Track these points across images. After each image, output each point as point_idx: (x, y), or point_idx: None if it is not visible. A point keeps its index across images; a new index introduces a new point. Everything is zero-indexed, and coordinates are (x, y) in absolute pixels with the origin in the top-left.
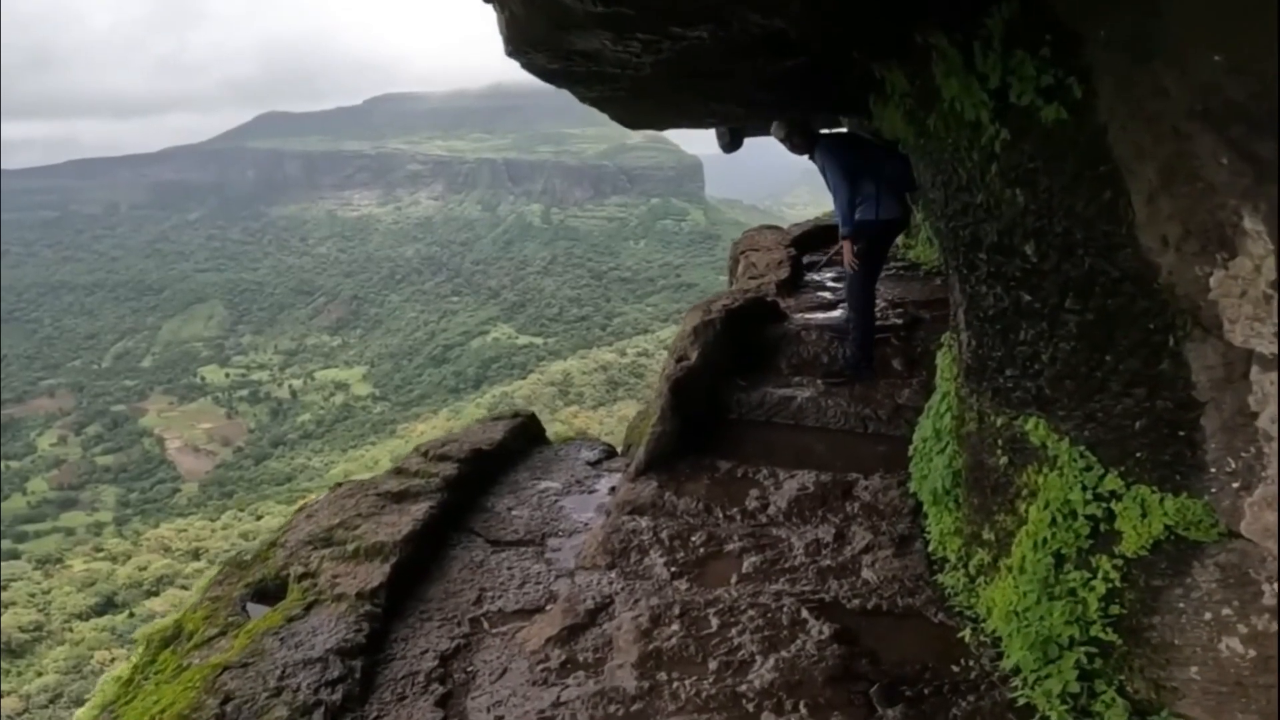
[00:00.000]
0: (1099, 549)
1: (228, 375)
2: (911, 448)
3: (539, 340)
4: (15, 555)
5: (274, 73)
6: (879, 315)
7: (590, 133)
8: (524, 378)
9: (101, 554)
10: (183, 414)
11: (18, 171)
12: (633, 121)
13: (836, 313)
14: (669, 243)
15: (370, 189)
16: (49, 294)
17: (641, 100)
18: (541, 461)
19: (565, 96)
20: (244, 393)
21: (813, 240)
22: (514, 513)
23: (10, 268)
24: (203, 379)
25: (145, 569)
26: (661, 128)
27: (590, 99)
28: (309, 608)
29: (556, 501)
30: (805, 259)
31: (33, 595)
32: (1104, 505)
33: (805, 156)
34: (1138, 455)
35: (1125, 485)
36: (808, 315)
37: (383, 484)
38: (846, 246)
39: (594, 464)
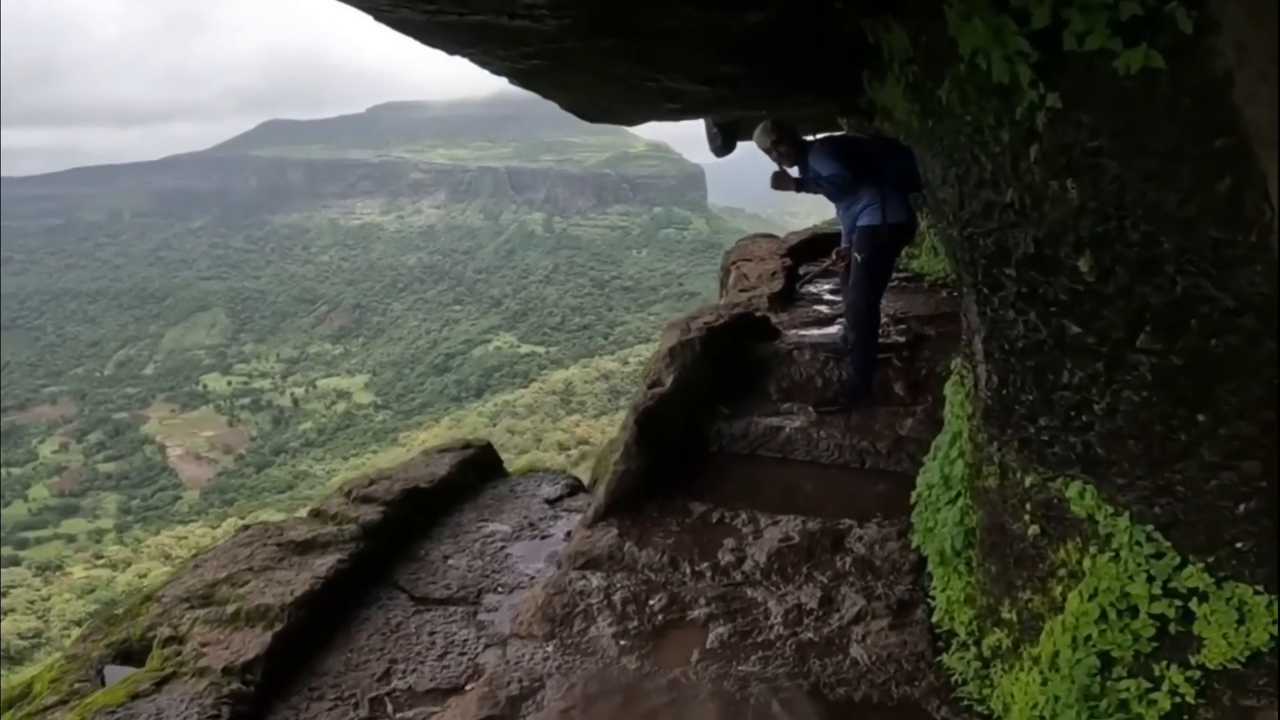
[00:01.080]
0: (1166, 655)
1: (230, 383)
2: (915, 493)
3: (541, 349)
4: (16, 562)
5: (277, 81)
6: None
7: (593, 141)
8: (526, 386)
9: (102, 561)
10: (185, 422)
11: (21, 179)
12: (582, 108)
13: (833, 329)
14: (671, 251)
15: (373, 197)
16: (51, 301)
17: (571, 73)
18: (493, 499)
19: None
20: (246, 401)
21: (810, 249)
22: (450, 562)
23: (13, 275)
24: (205, 387)
25: (145, 576)
26: (619, 119)
27: (507, 71)
28: (162, 682)
29: (503, 548)
30: (802, 269)
31: (32, 602)
32: (1179, 604)
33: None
34: (1237, 546)
35: (1214, 582)
36: (801, 332)
37: (290, 530)
38: (842, 252)
39: (553, 502)
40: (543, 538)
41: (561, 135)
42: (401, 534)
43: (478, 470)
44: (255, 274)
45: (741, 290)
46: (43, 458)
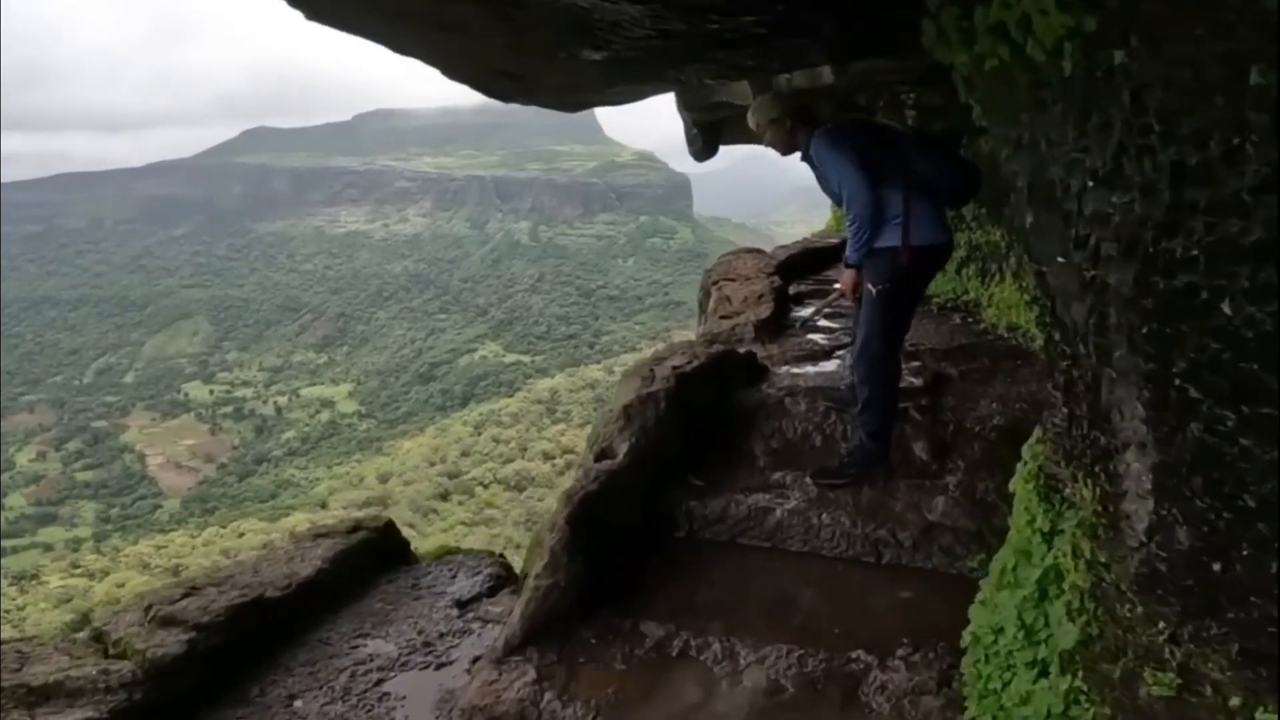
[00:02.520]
0: None
1: (212, 392)
2: (969, 632)
3: (526, 358)
4: None
5: (263, 88)
6: None
7: (579, 150)
8: (511, 395)
9: (79, 570)
10: (165, 430)
11: (4, 185)
12: (543, 85)
13: (831, 364)
14: (657, 260)
15: (358, 205)
16: (30, 309)
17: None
18: (385, 599)
19: (556, 114)
20: (228, 409)
21: (801, 266)
22: (297, 707)
23: None
24: (186, 395)
25: (123, 586)
26: (588, 98)
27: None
28: None
29: (379, 683)
30: (792, 289)
31: (8, 611)
32: None
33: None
34: None
35: None
36: (795, 369)
37: (32, 665)
38: (848, 276)
39: (466, 604)
40: (439, 665)
41: (548, 144)
42: (230, 661)
43: (372, 557)
44: (239, 282)
45: (723, 316)
46: (20, 466)
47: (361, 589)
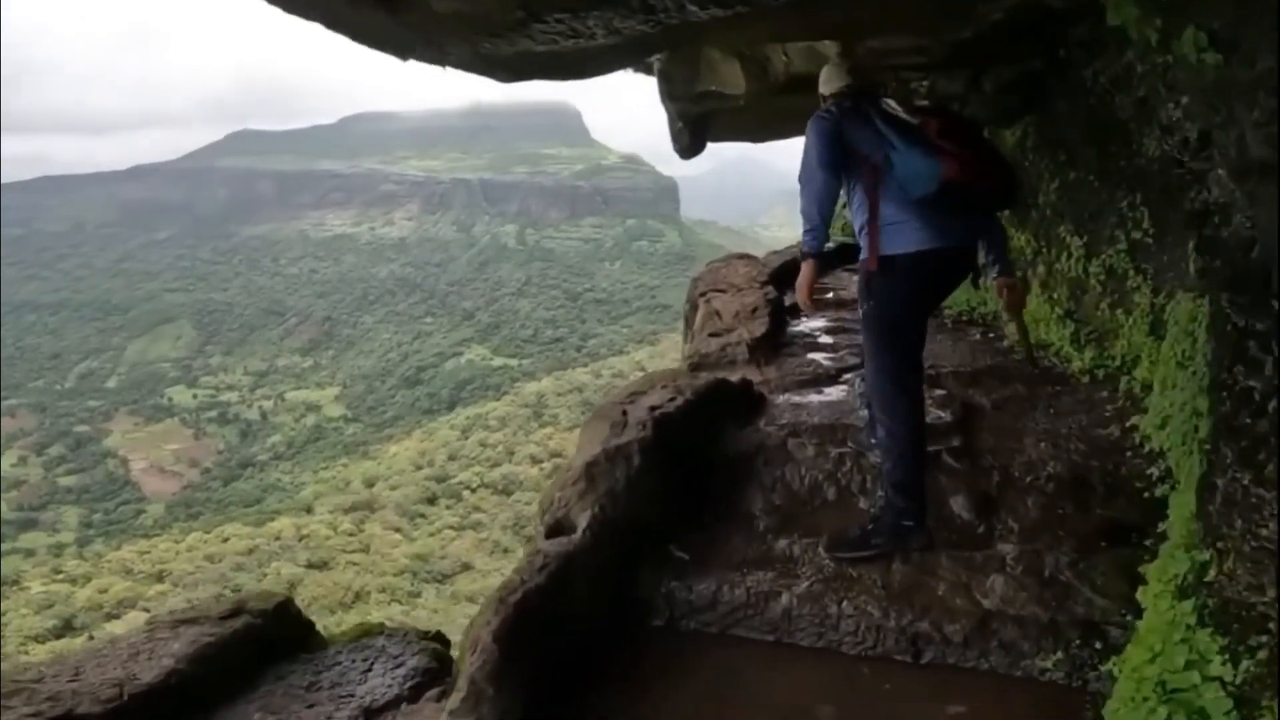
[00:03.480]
0: None
1: (195, 396)
2: None
3: (514, 362)
4: None
5: (247, 91)
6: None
7: (566, 153)
8: (498, 399)
9: (61, 576)
10: (149, 435)
11: None
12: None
13: (838, 391)
14: (644, 264)
15: (344, 209)
16: (11, 313)
17: None
18: (270, 704)
19: (543, 117)
20: (212, 414)
21: (796, 274)
22: None
23: None
24: (170, 400)
25: (106, 591)
26: (504, 45)
27: None
28: None
29: None
30: (788, 298)
31: None
32: None
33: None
34: None
35: None
36: (797, 398)
37: None
38: (804, 271)
39: (377, 712)
40: None
41: (535, 147)
42: None
43: (256, 649)
44: (223, 286)
45: (712, 334)
46: (1, 471)
47: (238, 691)
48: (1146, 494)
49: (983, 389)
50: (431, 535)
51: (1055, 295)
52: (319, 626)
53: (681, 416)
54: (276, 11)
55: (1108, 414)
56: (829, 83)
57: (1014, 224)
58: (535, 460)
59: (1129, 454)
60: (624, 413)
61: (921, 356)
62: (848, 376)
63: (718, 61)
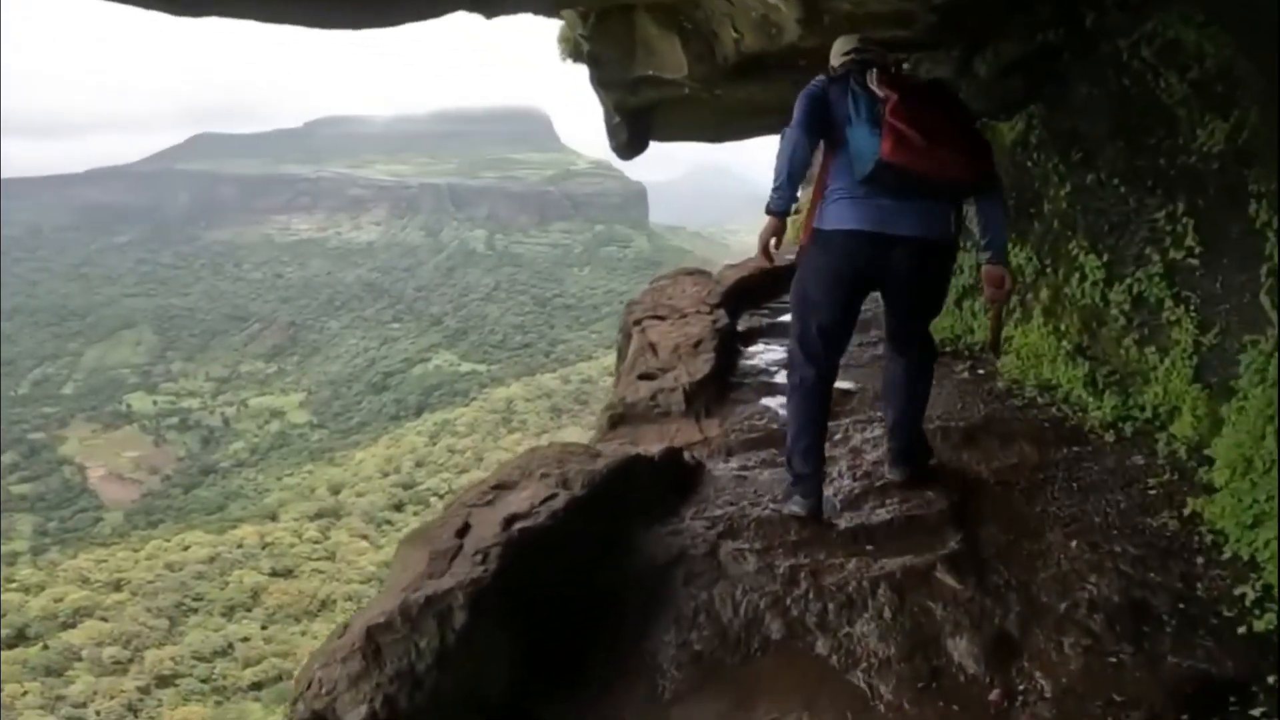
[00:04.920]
0: None
1: (156, 403)
2: None
3: (482, 367)
4: None
5: (210, 94)
6: (871, 479)
7: (536, 158)
8: (466, 405)
9: (14, 585)
10: (107, 442)
11: None
12: None
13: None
14: (613, 269)
15: (310, 213)
16: None
17: None
18: None
19: (512, 122)
20: (173, 420)
21: (755, 291)
22: None
23: None
24: (129, 406)
25: (61, 600)
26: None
27: None
28: None
29: None
30: (743, 322)
31: None
32: None
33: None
34: None
35: None
36: (743, 466)
37: None
38: (765, 230)
39: None
40: None
41: (504, 152)
42: None
43: None
44: (184, 291)
45: (642, 376)
46: None
47: None
48: (1241, 627)
49: (980, 452)
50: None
51: (1063, 326)
52: (285, 635)
53: (559, 527)
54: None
55: (1152, 492)
56: (835, 54)
57: (1011, 237)
58: None
59: (1200, 559)
60: (463, 529)
61: (836, 362)
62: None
63: (655, 39)
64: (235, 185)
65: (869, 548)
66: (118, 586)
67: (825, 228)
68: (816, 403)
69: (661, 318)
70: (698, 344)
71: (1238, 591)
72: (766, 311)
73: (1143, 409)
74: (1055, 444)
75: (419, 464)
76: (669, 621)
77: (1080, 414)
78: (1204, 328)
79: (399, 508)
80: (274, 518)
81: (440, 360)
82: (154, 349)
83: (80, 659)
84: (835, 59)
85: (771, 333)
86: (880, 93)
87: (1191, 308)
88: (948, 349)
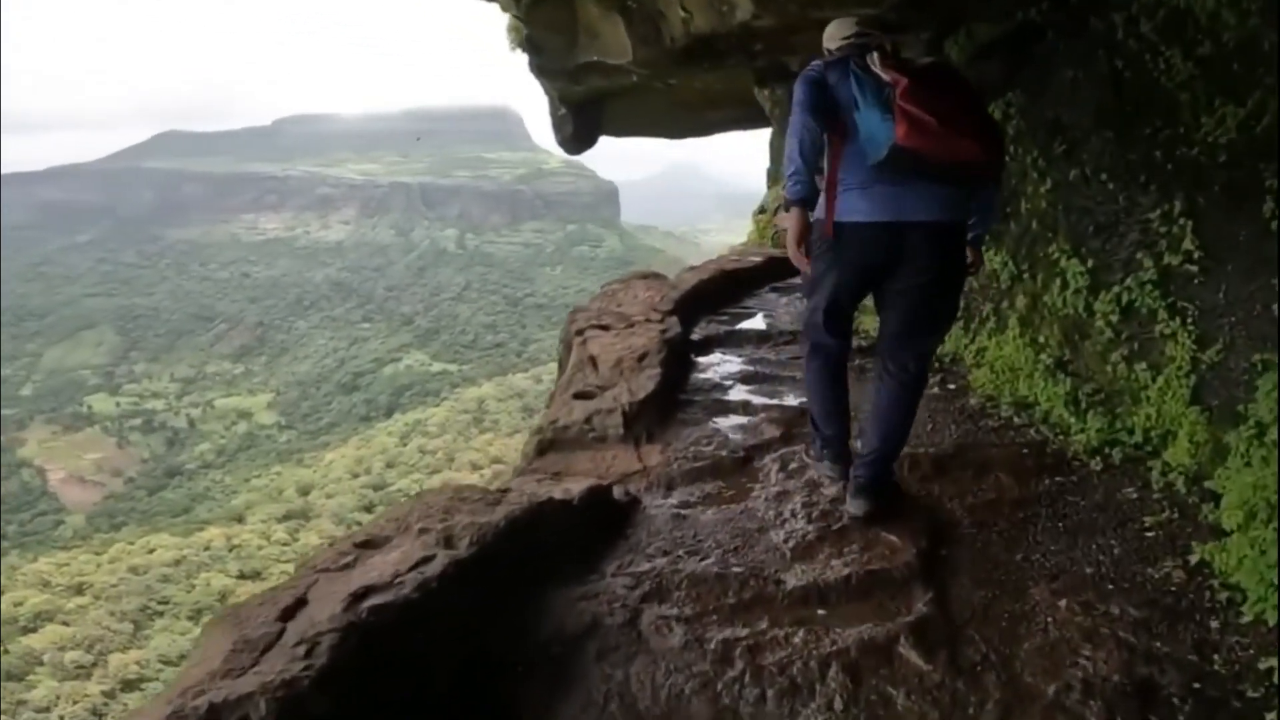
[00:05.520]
0: None
1: (119, 404)
2: None
3: (453, 367)
4: None
5: (177, 92)
6: (829, 521)
7: (507, 157)
8: (438, 405)
9: None
10: (68, 444)
11: None
12: None
13: (759, 491)
14: (585, 269)
15: (278, 212)
16: None
17: None
18: None
19: (484, 121)
20: (136, 422)
21: (714, 296)
22: None
23: None
24: (90, 408)
25: (21, 604)
26: None
27: None
28: None
29: None
30: (700, 330)
31: None
32: None
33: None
34: None
35: None
36: (685, 503)
37: None
38: (791, 223)
39: None
40: None
41: (476, 151)
42: None
43: None
44: (148, 290)
45: (580, 394)
46: None
47: None
48: (1269, 713)
49: (953, 485)
50: None
51: (1042, 338)
52: None
53: (430, 601)
54: (209, 13)
55: (1149, 533)
56: (832, 37)
57: (988, 242)
58: (476, 467)
59: (1214, 622)
60: (294, 606)
61: (850, 333)
62: (768, 461)
63: (597, 21)
64: (201, 184)
65: (820, 612)
66: (80, 590)
67: (842, 220)
68: (836, 372)
69: (605, 327)
70: (643, 357)
71: (1263, 665)
72: (726, 318)
73: (1131, 432)
74: (1036, 474)
75: (390, 465)
76: (575, 708)
77: (1062, 437)
78: (1203, 343)
79: (369, 509)
80: (241, 520)
81: (411, 360)
82: (116, 349)
83: (42, 664)
84: (832, 43)
85: (730, 342)
86: (886, 76)
87: (1189, 320)
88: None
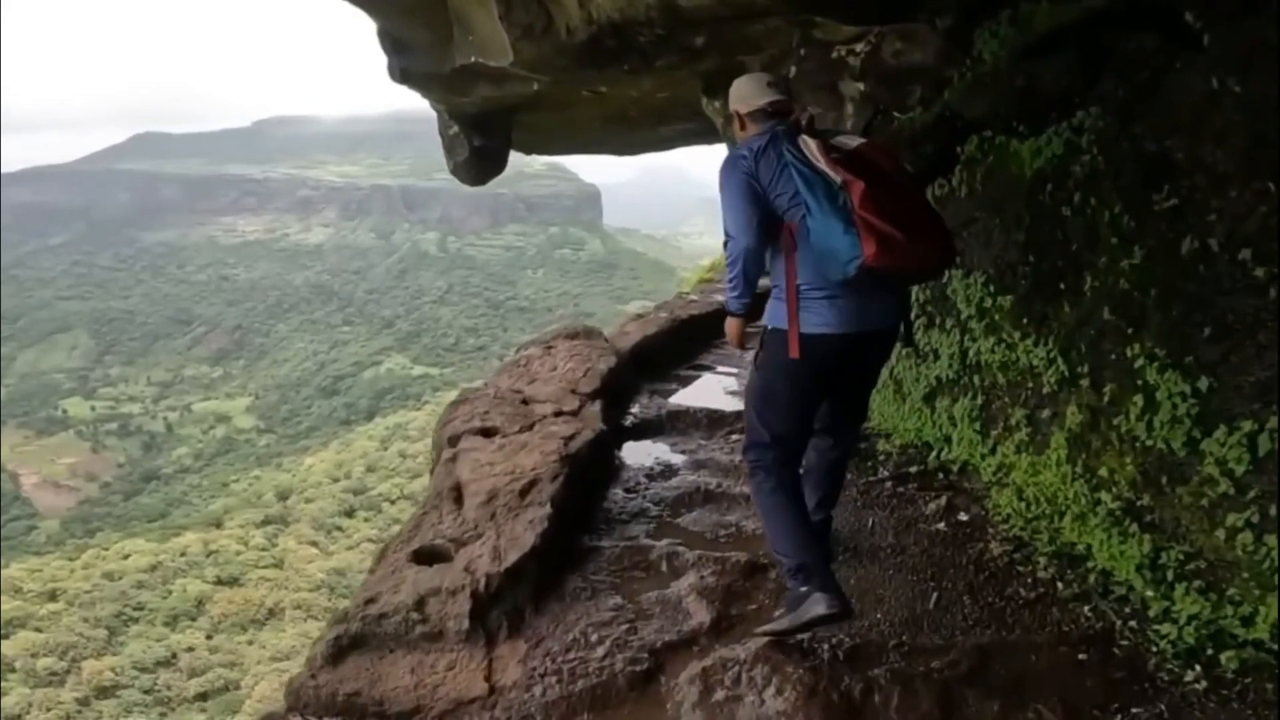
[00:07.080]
0: None
1: (94, 408)
2: None
3: (434, 370)
4: None
5: (152, 92)
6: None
7: None
8: (419, 409)
9: None
10: (41, 448)
11: None
12: None
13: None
14: (567, 272)
15: (257, 214)
16: None
17: None
18: None
19: None
20: (112, 426)
21: (661, 353)
22: None
23: None
24: (64, 412)
25: None
26: None
27: None
28: None
29: None
30: (641, 403)
31: None
32: None
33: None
34: None
35: None
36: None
37: None
38: (732, 324)
39: None
40: None
41: None
42: None
43: None
44: (123, 293)
45: (420, 553)
46: None
47: None
48: None
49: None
50: (349, 549)
51: (1105, 471)
52: (231, 644)
53: None
54: (185, 14)
55: None
56: (744, 99)
57: (1006, 315)
58: None
59: None
60: None
61: (805, 449)
62: (682, 681)
63: (470, 10)
64: (178, 186)
65: None
66: (53, 596)
67: (807, 332)
68: (793, 487)
69: (490, 432)
70: (528, 488)
71: None
72: (674, 385)
73: (1248, 622)
74: (1104, 700)
75: (370, 469)
76: None
77: (1135, 623)
78: None
79: (350, 514)
80: (219, 525)
81: (392, 363)
82: (91, 353)
83: (14, 670)
84: (742, 106)
85: (673, 428)
86: (835, 175)
87: None
88: (908, 470)
